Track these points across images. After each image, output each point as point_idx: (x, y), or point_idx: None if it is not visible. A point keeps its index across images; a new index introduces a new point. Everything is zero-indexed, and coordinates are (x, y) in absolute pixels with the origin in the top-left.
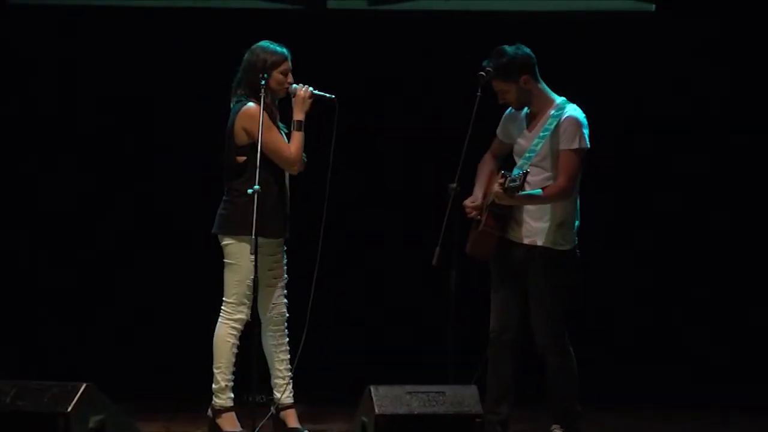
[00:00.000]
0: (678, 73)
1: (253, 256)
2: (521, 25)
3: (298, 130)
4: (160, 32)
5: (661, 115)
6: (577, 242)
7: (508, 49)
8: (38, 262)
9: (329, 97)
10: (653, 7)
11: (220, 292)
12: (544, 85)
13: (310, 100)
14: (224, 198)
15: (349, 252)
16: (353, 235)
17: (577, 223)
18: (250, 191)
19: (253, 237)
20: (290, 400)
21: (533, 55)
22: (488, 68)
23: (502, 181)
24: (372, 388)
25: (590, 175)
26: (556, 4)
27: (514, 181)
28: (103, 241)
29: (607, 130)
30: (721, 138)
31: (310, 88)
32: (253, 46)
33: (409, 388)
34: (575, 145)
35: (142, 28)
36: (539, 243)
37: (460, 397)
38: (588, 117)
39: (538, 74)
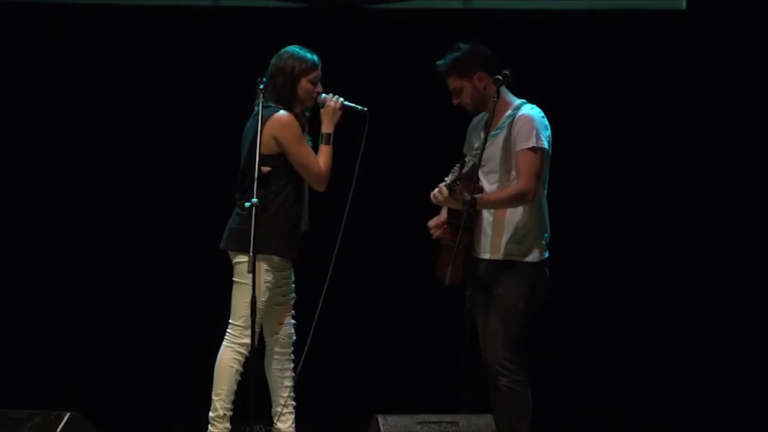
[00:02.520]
0: (709, 73)
1: (268, 277)
2: (546, 24)
3: (327, 143)
4: (157, 32)
5: (690, 116)
6: (546, 257)
7: (463, 45)
8: (23, 280)
9: (360, 109)
10: (684, 4)
11: (214, 313)
12: (503, 87)
13: (340, 112)
14: (239, 212)
15: (355, 270)
16: (357, 251)
17: (546, 236)
18: (247, 204)
19: (251, 254)
20: (292, 430)
21: (491, 54)
22: (442, 65)
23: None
24: (379, 418)
25: (613, 177)
26: (582, 3)
27: (453, 173)
28: (91, 260)
29: (634, 130)
30: (753, 140)
31: (341, 99)
32: (282, 51)
33: (419, 417)
34: (530, 144)
35: (138, 27)
36: (498, 256)
37: (475, 427)
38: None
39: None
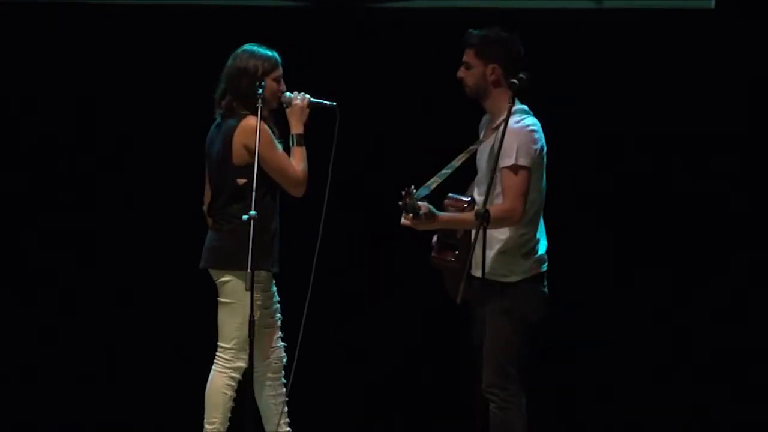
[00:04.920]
0: (738, 75)
1: (257, 295)
2: (569, 24)
3: (299, 144)
4: (155, 31)
5: (718, 120)
6: (538, 273)
7: (502, 31)
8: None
9: (329, 104)
10: (712, 3)
11: (202, 336)
12: (508, 89)
13: (308, 110)
14: (216, 227)
15: (356, 286)
16: (357, 265)
17: (536, 250)
18: (245, 217)
19: (249, 270)
20: None
21: (519, 55)
22: (470, 35)
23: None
24: None
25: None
26: (606, 2)
27: (410, 197)
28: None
29: (661, 135)
30: None
31: (307, 96)
32: (237, 52)
33: None
34: (511, 162)
35: (135, 26)
36: (486, 275)
37: None
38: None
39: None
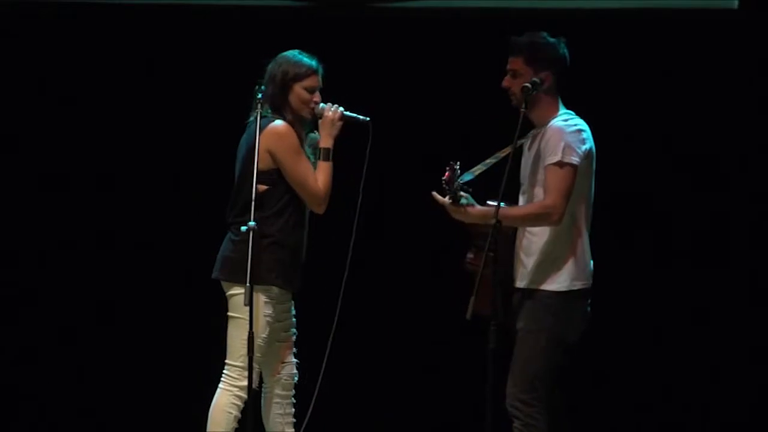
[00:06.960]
0: (761, 76)
1: (268, 311)
2: (581, 24)
3: (326, 159)
4: (153, 31)
5: (743, 125)
6: (580, 288)
7: (550, 36)
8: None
9: (362, 119)
10: (736, 3)
11: (206, 350)
12: (557, 97)
13: (339, 123)
14: (232, 237)
15: (367, 303)
16: (369, 280)
17: (582, 264)
18: (243, 228)
19: (248, 284)
20: None
21: (568, 63)
22: (517, 41)
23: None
24: None
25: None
26: (625, 2)
27: (454, 178)
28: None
29: (682, 140)
30: None
31: (340, 109)
32: (279, 56)
33: None
34: (556, 159)
35: (134, 26)
36: (524, 284)
37: None
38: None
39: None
